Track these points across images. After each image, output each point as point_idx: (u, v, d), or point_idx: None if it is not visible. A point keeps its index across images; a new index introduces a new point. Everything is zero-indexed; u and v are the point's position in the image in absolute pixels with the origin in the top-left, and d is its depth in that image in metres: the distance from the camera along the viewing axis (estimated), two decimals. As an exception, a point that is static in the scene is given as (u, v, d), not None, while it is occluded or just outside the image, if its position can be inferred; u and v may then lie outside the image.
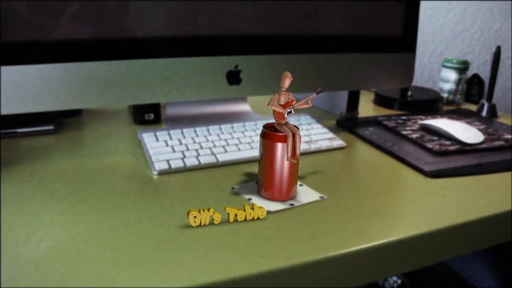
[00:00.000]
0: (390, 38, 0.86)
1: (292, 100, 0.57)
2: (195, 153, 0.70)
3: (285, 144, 0.56)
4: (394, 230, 0.53)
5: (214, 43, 0.74)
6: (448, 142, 0.79)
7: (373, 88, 0.89)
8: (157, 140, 0.74)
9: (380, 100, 1.05)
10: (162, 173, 0.66)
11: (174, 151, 0.71)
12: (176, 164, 0.67)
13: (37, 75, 0.64)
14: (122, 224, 0.52)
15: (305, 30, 0.79)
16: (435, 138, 0.81)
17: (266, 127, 0.58)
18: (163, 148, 0.72)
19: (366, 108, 1.05)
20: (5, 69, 0.63)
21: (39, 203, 0.57)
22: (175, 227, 0.51)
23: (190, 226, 0.51)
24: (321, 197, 0.60)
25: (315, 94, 0.57)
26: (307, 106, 0.57)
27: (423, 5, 1.26)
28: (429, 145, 0.77)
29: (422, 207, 0.58)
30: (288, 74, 0.55)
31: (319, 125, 0.84)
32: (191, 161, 0.68)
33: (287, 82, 0.55)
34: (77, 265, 0.44)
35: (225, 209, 0.52)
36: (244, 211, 0.53)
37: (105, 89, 0.68)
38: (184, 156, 0.70)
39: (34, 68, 0.64)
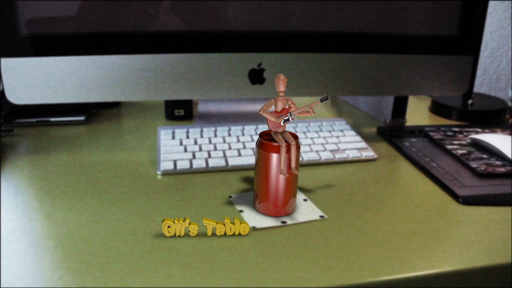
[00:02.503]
0: (443, 39, 0.75)
1: (290, 107, 0.51)
2: (206, 155, 0.67)
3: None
4: (389, 268, 0.45)
5: (236, 39, 0.69)
6: (499, 163, 0.67)
7: (421, 95, 0.79)
8: (173, 138, 0.72)
9: (437, 108, 0.94)
10: (166, 173, 0.64)
11: (186, 151, 0.68)
12: (182, 165, 0.64)
13: (72, 67, 0.66)
14: (97, 225, 0.50)
15: (340, 27, 0.72)
16: (484, 156, 0.70)
17: (262, 135, 0.53)
18: (176, 147, 0.69)
19: (420, 116, 0.94)
20: (40, 60, 0.65)
21: (33, 195, 0.57)
22: (148, 235, 0.49)
23: (164, 235, 0.48)
24: (321, 216, 0.54)
25: (319, 102, 0.51)
26: (308, 114, 0.51)
27: (500, 4, 1.10)
28: (474, 164, 0.66)
29: (439, 240, 0.50)
30: (282, 76, 0.50)
31: (352, 132, 0.77)
32: (198, 163, 0.65)
33: (281, 86, 0.50)
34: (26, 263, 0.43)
35: (203, 221, 0.48)
36: (224, 225, 0.48)
37: (122, 83, 0.67)
38: (194, 157, 0.67)
39: (69, 60, 0.66)
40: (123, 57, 0.66)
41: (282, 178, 0.51)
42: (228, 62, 0.70)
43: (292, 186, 0.53)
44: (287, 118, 0.50)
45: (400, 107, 0.85)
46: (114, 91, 0.68)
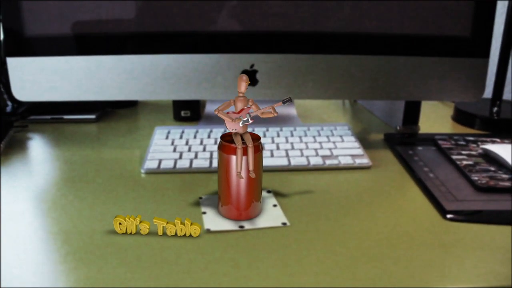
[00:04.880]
0: (454, 40, 0.70)
1: (249, 108, 0.49)
2: (192, 156, 0.67)
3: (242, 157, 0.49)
4: (339, 280, 0.42)
5: (228, 40, 0.69)
6: (505, 176, 0.61)
7: (432, 100, 0.74)
8: (167, 138, 0.73)
9: (459, 116, 0.87)
10: (149, 172, 0.64)
11: (175, 151, 0.69)
12: (166, 165, 0.65)
13: (77, 66, 0.69)
14: (70, 219, 0.52)
15: (341, 27, 0.69)
16: (492, 168, 0.63)
17: (224, 136, 0.52)
18: (166, 146, 0.70)
19: (441, 124, 0.88)
20: (46, 59, 0.69)
21: (22, 189, 0.60)
22: (101, 231, 0.49)
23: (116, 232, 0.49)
24: (283, 223, 0.51)
25: (281, 103, 0.49)
26: (271, 115, 0.49)
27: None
28: (475, 177, 0.61)
29: (409, 259, 0.46)
30: (245, 77, 0.48)
31: (352, 138, 0.73)
32: (182, 164, 0.65)
33: (243, 87, 0.49)
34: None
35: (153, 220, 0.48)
36: (175, 225, 0.48)
37: (115, 83, 0.69)
38: (180, 158, 0.67)
39: (72, 60, 0.69)
40: (114, 58, 0.68)
41: (242, 181, 0.50)
42: (220, 63, 0.69)
43: (254, 190, 0.51)
44: (245, 119, 0.49)
45: (412, 113, 0.79)
46: (111, 90, 0.70)
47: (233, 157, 0.49)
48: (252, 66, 0.70)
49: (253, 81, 0.70)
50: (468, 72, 0.71)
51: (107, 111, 0.92)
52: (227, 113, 0.49)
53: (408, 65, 0.71)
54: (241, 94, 0.49)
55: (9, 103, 0.89)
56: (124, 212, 0.52)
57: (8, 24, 0.68)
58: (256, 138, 0.50)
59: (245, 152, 0.49)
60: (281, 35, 0.69)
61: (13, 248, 0.46)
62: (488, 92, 0.86)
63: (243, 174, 0.49)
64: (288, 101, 0.49)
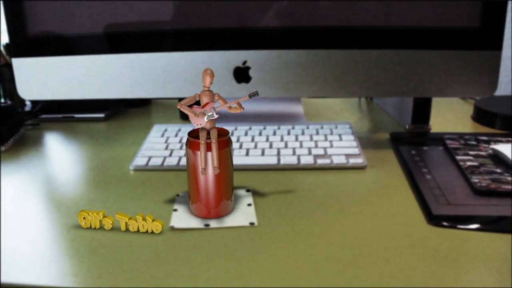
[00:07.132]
0: (462, 31, 0.65)
1: (214, 102, 0.48)
2: (182, 153, 0.66)
3: (208, 153, 0.48)
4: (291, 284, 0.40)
5: (219, 36, 0.68)
6: (511, 179, 0.55)
7: (440, 96, 0.68)
8: (162, 135, 0.73)
9: (479, 115, 0.80)
10: (137, 169, 0.64)
11: (166, 148, 0.68)
12: (155, 162, 0.65)
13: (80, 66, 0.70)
14: (43, 212, 0.53)
15: (337, 20, 0.66)
16: (498, 170, 0.58)
17: (191, 132, 0.51)
18: (160, 144, 0.70)
19: (459, 124, 0.82)
20: (52, 59, 0.71)
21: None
22: (66, 225, 0.49)
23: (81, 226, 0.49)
24: (251, 223, 0.49)
25: (248, 97, 0.47)
26: (237, 110, 0.48)
27: None
28: (475, 179, 0.55)
29: (375, 266, 0.43)
30: (209, 71, 0.47)
31: (351, 137, 0.69)
32: (170, 161, 0.64)
33: (207, 80, 0.47)
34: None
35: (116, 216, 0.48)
36: (136, 221, 0.47)
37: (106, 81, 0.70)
38: (170, 155, 0.66)
39: (76, 59, 0.70)
40: (117, 57, 0.69)
41: (210, 178, 0.48)
42: (212, 60, 0.68)
43: (223, 188, 0.49)
44: (210, 113, 0.47)
45: (421, 111, 0.74)
46: (113, 89, 0.71)
47: (199, 153, 0.48)
48: (244, 62, 0.68)
49: (245, 78, 0.69)
50: (479, 66, 0.65)
51: (117, 110, 0.93)
52: (191, 107, 0.48)
53: (413, 59, 0.66)
54: (206, 88, 0.48)
55: (28, 102, 0.93)
56: (105, 207, 0.52)
57: (12, 26, 0.70)
58: (224, 134, 0.49)
59: (209, 148, 0.47)
60: (267, 31, 0.67)
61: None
62: (510, 89, 0.79)
63: (209, 171, 0.48)
64: (255, 95, 0.47)
